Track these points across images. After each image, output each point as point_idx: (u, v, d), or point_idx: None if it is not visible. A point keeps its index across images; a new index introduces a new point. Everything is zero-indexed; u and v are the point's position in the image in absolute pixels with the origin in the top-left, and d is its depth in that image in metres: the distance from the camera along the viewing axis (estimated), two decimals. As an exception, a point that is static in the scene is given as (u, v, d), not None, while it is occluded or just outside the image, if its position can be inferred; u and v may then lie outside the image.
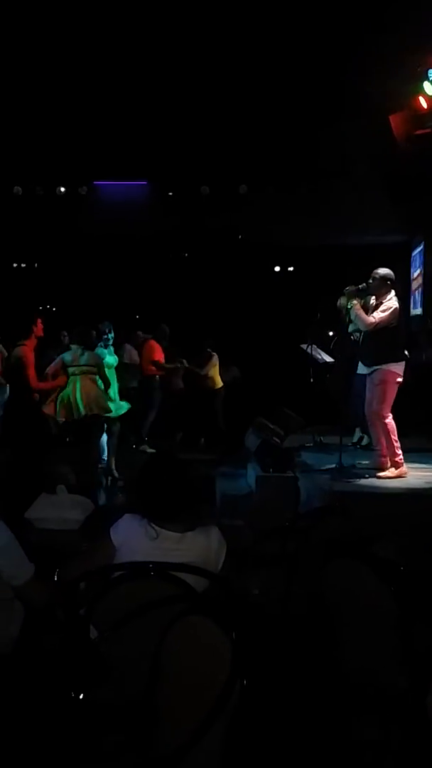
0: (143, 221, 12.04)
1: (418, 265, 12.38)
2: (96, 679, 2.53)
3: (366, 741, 2.51)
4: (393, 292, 6.85)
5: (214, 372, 11.26)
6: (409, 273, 12.66)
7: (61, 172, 11.64)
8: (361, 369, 7.15)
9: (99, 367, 7.93)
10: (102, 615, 2.67)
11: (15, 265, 14.87)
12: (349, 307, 7.36)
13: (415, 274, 12.57)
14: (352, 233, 12.24)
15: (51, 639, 2.88)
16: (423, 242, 11.79)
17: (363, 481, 6.67)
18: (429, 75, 9.03)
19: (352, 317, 6.91)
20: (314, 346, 8.93)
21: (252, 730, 2.47)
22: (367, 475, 6.82)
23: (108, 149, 11.28)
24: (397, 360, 6.69)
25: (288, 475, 7.21)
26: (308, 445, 8.57)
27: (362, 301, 7.77)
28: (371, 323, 6.67)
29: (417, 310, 12.15)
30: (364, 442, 8.06)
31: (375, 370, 6.76)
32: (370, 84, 9.30)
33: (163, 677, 2.35)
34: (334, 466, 7.03)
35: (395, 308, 6.74)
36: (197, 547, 2.87)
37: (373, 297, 7.01)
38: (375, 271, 6.92)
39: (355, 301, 6.88)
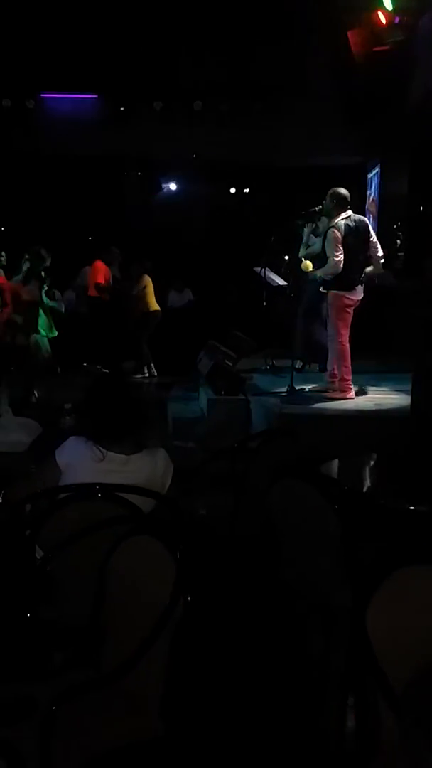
0: (94, 137, 11.65)
1: (373, 188, 12.27)
2: (42, 598, 2.55)
3: (308, 655, 2.59)
4: (348, 212, 6.76)
5: (146, 294, 10.91)
6: (364, 196, 12.54)
7: (6, 83, 11.14)
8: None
9: None
10: (48, 536, 2.68)
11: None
12: (301, 232, 7.39)
13: (371, 197, 12.47)
14: (308, 153, 12.03)
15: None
16: (378, 164, 11.65)
17: (313, 405, 6.73)
18: (388, -12, 8.76)
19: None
20: (267, 269, 8.85)
21: (196, 645, 2.53)
22: (317, 399, 6.88)
23: (57, 59, 10.82)
24: (345, 288, 6.68)
25: (239, 398, 7.24)
26: (261, 368, 8.60)
27: (312, 226, 7.82)
28: (337, 262, 6.56)
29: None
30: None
31: (327, 294, 6.81)
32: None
33: (108, 595, 2.38)
34: (285, 389, 7.07)
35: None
36: (143, 468, 2.87)
37: (326, 219, 6.95)
38: (330, 191, 6.83)
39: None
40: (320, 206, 7.89)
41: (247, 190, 14.26)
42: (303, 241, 8.24)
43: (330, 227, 6.69)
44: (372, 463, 4.12)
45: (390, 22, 9.24)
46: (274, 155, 12.21)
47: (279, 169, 12.69)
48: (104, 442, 2.86)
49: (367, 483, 3.95)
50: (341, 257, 6.53)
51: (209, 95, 11.60)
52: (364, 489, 3.63)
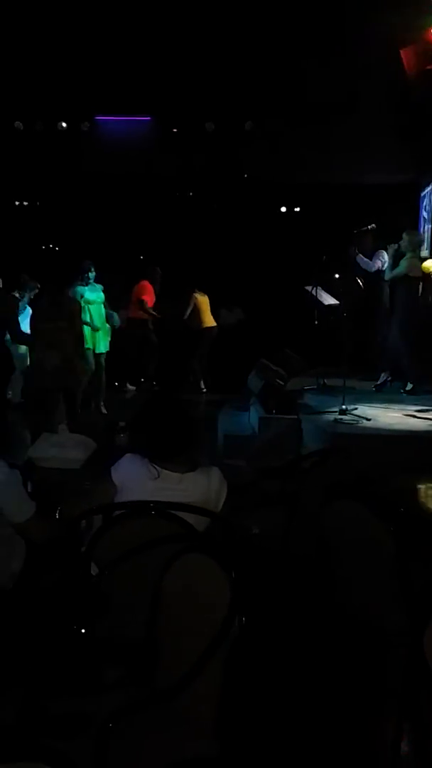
0: (146, 158, 11.80)
1: (426, 206, 12.16)
2: (97, 614, 2.57)
3: (364, 678, 2.55)
4: None
5: (201, 311, 10.98)
6: (418, 213, 12.43)
7: (63, 106, 11.38)
8: None
9: None
10: (103, 553, 2.70)
11: (17, 203, 14.64)
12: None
13: (425, 215, 12.36)
14: (360, 171, 11.99)
15: (52, 576, 2.92)
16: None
17: (365, 423, 6.68)
18: (441, 7, 8.72)
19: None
20: (319, 288, 8.84)
21: (251, 665, 2.52)
22: (369, 418, 6.83)
23: (111, 83, 11.01)
24: None
25: (291, 416, 7.23)
26: (311, 387, 8.57)
27: (395, 246, 8.07)
28: None
29: (425, 252, 11.97)
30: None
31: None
32: (380, 16, 9.01)
33: (162, 613, 2.39)
34: (337, 408, 7.03)
35: None
36: (198, 487, 2.88)
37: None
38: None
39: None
40: (372, 225, 7.93)
41: (297, 209, 14.28)
42: (388, 263, 8.43)
43: None
44: (427, 484, 4.07)
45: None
46: (325, 174, 12.20)
47: (331, 188, 12.67)
48: (159, 460, 2.88)
49: (423, 504, 3.90)
50: None
51: (260, 115, 11.66)
52: (420, 510, 3.59)
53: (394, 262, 8.35)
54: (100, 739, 1.99)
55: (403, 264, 7.94)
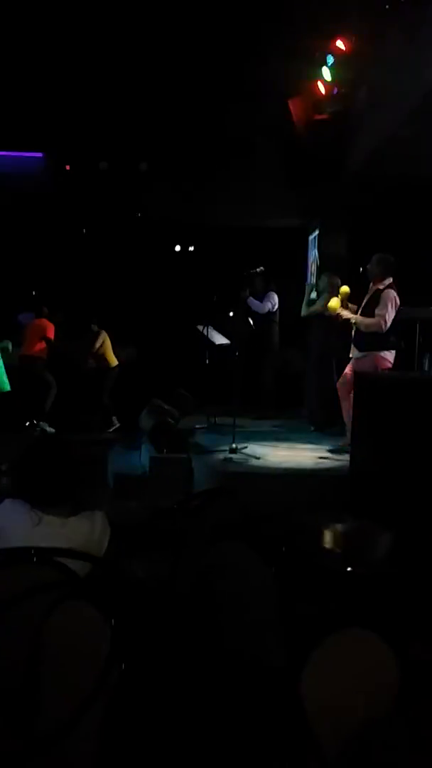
0: (39, 195, 11.74)
1: (313, 249, 12.59)
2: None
3: (242, 717, 2.57)
4: (390, 279, 6.90)
5: (105, 349, 11.18)
6: (306, 257, 12.84)
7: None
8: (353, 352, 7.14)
9: None
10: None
11: None
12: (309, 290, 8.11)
13: (312, 258, 12.78)
14: (252, 215, 12.31)
15: None
16: (318, 227, 11.98)
17: (255, 462, 6.77)
18: (327, 60, 9.12)
19: (354, 323, 6.93)
20: (210, 327, 8.98)
21: (132, 711, 2.49)
22: (258, 456, 6.94)
23: (3, 117, 10.92)
24: (388, 348, 6.81)
25: (181, 455, 7.25)
26: (202, 426, 8.64)
27: (312, 285, 8.44)
28: (382, 324, 6.68)
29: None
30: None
31: (365, 356, 6.86)
32: (270, 67, 9.34)
33: (43, 661, 2.34)
34: (227, 447, 7.11)
35: (395, 299, 6.77)
36: (81, 531, 2.85)
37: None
38: (378, 256, 6.94)
39: (347, 312, 7.02)
40: (261, 267, 8.20)
41: (191, 248, 14.49)
42: (305, 300, 8.90)
43: (386, 288, 6.79)
44: (312, 523, 4.16)
45: (329, 92, 9.61)
46: (218, 216, 12.45)
47: (224, 229, 12.94)
48: (41, 505, 2.83)
49: (307, 543, 3.99)
50: (390, 319, 6.66)
51: (156, 156, 11.82)
52: (303, 550, 3.66)
53: (310, 300, 8.73)
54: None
55: (320, 303, 8.25)
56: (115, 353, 11.39)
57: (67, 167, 11.75)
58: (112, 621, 2.16)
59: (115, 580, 2.69)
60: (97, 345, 11.06)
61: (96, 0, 9.19)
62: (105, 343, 11.18)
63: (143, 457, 7.97)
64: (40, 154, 11.66)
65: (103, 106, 11.08)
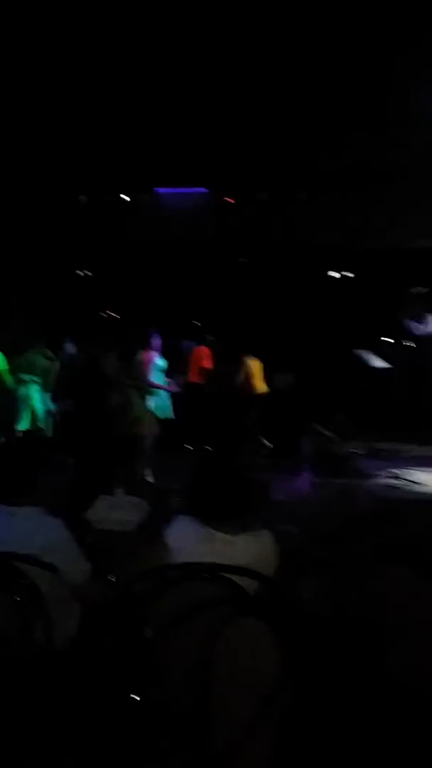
0: (203, 228, 12.14)
1: None
2: (151, 679, 2.59)
3: (410, 745, 2.52)
4: None
5: (252, 376, 11.13)
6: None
7: (124, 180, 11.83)
8: None
9: None
10: (156, 616, 2.73)
11: (80, 273, 15.12)
12: None
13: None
14: (410, 235, 12.13)
15: (107, 639, 2.95)
16: None
17: (417, 488, 6.63)
18: None
19: None
20: (369, 351, 8.89)
21: (302, 732, 2.50)
22: (421, 482, 6.78)
23: (168, 156, 11.42)
24: None
25: (342, 481, 7.21)
26: (360, 451, 8.54)
27: None
28: None
29: None
30: None
31: None
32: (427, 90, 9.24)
33: (214, 678, 2.40)
34: (386, 472, 7.00)
35: None
36: (250, 550, 2.91)
37: None
38: None
39: None
40: (420, 288, 8.06)
41: (351, 275, 14.42)
42: None
43: None
44: None
45: None
46: (376, 239, 12.35)
47: (381, 252, 12.79)
48: (212, 522, 2.93)
49: None
50: None
51: (314, 185, 11.92)
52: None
53: None
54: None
55: None
56: (271, 379, 11.43)
57: (230, 200, 12.07)
58: (283, 638, 2.19)
59: (285, 600, 2.73)
60: (242, 374, 11.05)
61: (265, 34, 9.38)
62: (250, 370, 11.11)
63: (303, 481, 7.98)
64: (203, 189, 12.07)
65: (260, 137, 11.32)
